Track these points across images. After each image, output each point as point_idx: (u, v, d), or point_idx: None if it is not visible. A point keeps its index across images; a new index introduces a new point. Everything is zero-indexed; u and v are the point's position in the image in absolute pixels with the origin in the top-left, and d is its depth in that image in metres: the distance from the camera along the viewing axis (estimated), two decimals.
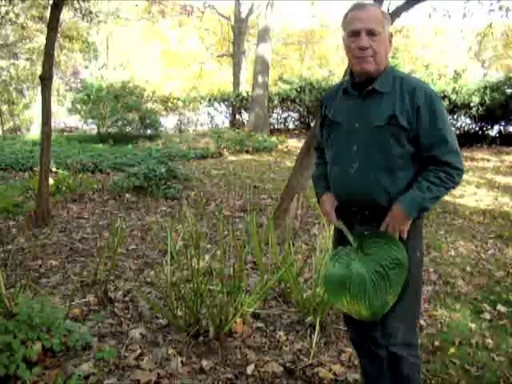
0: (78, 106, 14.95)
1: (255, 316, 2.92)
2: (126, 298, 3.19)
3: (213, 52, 24.63)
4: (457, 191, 7.32)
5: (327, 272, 1.82)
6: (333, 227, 1.98)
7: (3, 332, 2.23)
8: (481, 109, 11.77)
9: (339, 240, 1.91)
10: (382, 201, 1.76)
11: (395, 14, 4.58)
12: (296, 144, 12.75)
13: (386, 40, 1.75)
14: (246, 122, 15.58)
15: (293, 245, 3.56)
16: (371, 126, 1.75)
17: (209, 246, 4.41)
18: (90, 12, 9.89)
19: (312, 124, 13.81)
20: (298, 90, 14.49)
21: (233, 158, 11.15)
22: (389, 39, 1.78)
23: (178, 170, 7.52)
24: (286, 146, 12.68)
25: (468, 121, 12.75)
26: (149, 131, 15.43)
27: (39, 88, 5.46)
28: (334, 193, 1.91)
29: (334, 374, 2.38)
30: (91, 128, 16.87)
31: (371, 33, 1.70)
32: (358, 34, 1.71)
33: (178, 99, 17.20)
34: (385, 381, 1.91)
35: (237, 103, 16.12)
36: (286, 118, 16.36)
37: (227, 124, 16.83)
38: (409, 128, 1.71)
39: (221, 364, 2.42)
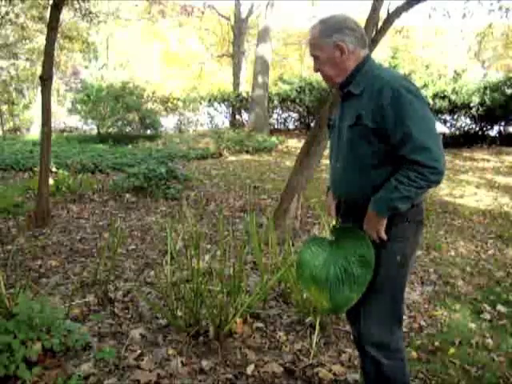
0: (78, 106, 14.95)
1: (255, 316, 2.92)
2: (126, 298, 3.19)
3: (213, 52, 24.61)
4: (457, 191, 7.33)
5: (299, 257, 1.87)
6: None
7: (3, 332, 2.23)
8: (481, 109, 11.77)
9: None
10: (360, 199, 1.78)
11: (395, 14, 4.57)
12: (296, 144, 12.76)
13: (329, 57, 1.79)
14: (246, 122, 15.58)
15: (293, 245, 3.56)
16: (346, 127, 1.79)
17: (209, 246, 4.41)
18: (90, 12, 9.92)
19: (312, 124, 13.80)
20: (298, 90, 14.48)
21: (233, 158, 11.15)
22: (336, 51, 1.77)
23: (178, 171, 7.52)
24: (286, 146, 12.69)
25: (468, 121, 12.76)
26: (149, 131, 15.45)
27: (39, 88, 5.46)
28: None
29: (334, 374, 2.38)
30: (91, 128, 16.87)
31: (315, 57, 1.84)
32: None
33: (178, 99, 17.21)
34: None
35: (237, 103, 16.12)
36: (286, 119, 16.36)
37: (227, 124, 16.83)
38: (375, 127, 1.68)
39: (221, 364, 2.42)
